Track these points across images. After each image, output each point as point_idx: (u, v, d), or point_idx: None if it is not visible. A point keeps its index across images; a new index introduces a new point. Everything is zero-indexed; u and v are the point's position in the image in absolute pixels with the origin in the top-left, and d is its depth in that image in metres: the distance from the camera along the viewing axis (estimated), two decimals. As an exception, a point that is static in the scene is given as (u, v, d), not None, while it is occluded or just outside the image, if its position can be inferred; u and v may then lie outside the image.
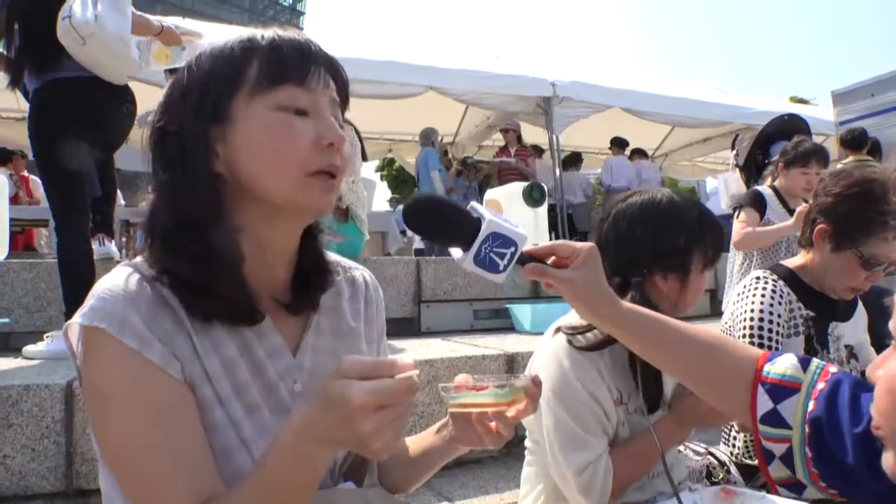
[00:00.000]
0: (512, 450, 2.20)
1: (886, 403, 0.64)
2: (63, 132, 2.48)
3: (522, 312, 3.68)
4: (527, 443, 1.43)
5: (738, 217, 3.09)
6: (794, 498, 0.94)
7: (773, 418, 0.82)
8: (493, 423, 0.79)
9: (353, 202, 3.55)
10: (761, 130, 4.91)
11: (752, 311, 1.62)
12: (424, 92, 6.34)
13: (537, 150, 7.93)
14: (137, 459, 0.70)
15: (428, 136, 7.47)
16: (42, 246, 6.55)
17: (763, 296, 1.62)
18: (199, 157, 0.75)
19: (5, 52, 2.57)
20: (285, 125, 0.75)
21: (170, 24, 2.88)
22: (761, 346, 1.57)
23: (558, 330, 1.30)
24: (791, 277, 1.68)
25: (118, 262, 0.82)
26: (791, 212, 2.94)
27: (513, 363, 2.56)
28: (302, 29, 0.83)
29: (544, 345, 1.33)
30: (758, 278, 1.68)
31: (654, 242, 1.28)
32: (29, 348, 2.49)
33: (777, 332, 1.59)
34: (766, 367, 0.85)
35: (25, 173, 6.80)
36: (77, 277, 2.47)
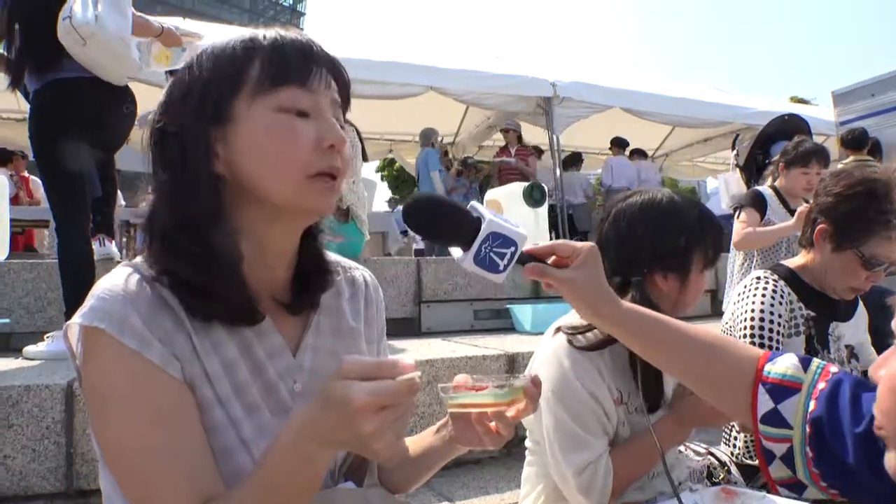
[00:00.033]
0: (512, 450, 2.20)
1: (889, 403, 0.64)
2: (63, 133, 2.49)
3: (523, 312, 3.68)
4: (527, 443, 1.43)
5: (738, 217, 3.09)
6: (795, 498, 0.94)
7: (774, 418, 0.82)
8: (492, 424, 0.79)
9: (354, 203, 3.55)
10: (762, 130, 4.91)
11: (753, 310, 1.62)
12: (425, 92, 6.34)
13: (537, 151, 7.93)
14: (137, 459, 0.70)
15: (428, 137, 7.47)
16: (43, 246, 6.55)
17: (764, 296, 1.62)
18: (200, 159, 0.75)
19: (6, 54, 2.58)
20: (287, 127, 0.75)
21: (170, 25, 2.88)
22: (762, 346, 1.57)
23: (558, 330, 1.30)
24: (792, 277, 1.68)
25: (118, 263, 0.81)
26: (791, 212, 2.93)
27: (513, 363, 2.56)
28: (302, 29, 0.83)
29: (544, 345, 1.33)
30: (758, 278, 1.68)
31: (654, 242, 1.28)
32: (29, 349, 2.49)
33: (778, 332, 1.59)
34: (767, 367, 0.85)
35: (26, 174, 6.80)
36: (77, 278, 2.47)
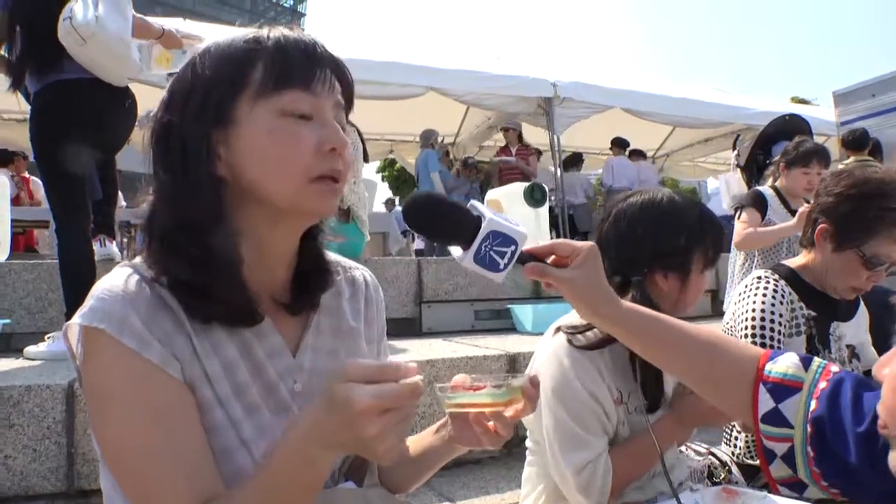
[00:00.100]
0: (513, 450, 2.20)
1: (894, 402, 0.63)
2: (64, 134, 2.49)
3: (524, 313, 3.68)
4: (528, 443, 1.43)
5: (739, 217, 3.09)
6: (796, 497, 0.94)
7: (775, 417, 0.82)
8: (490, 424, 0.79)
9: (355, 203, 3.55)
10: (762, 131, 4.91)
11: (754, 310, 1.61)
12: (425, 93, 6.35)
13: (536, 153, 7.93)
14: (137, 459, 0.70)
15: (427, 138, 7.48)
16: (43, 247, 6.56)
17: (765, 295, 1.62)
18: (201, 161, 0.75)
19: (7, 56, 2.58)
20: (289, 130, 0.75)
21: (170, 27, 2.88)
22: (763, 345, 1.57)
23: (559, 329, 1.30)
24: (792, 277, 1.68)
25: (119, 263, 0.81)
26: (792, 212, 2.93)
27: (514, 363, 2.56)
28: (303, 30, 0.83)
29: (545, 344, 1.33)
30: (759, 278, 1.68)
31: (654, 242, 1.28)
32: (30, 349, 2.49)
33: (779, 332, 1.59)
34: (768, 367, 0.85)
35: (27, 174, 6.80)
36: (77, 278, 2.47)
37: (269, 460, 0.68)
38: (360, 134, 3.63)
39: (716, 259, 1.34)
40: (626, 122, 7.54)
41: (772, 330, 1.58)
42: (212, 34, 0.86)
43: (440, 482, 2.09)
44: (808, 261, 1.69)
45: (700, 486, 1.23)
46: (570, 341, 1.26)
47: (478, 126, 8.46)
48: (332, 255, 0.94)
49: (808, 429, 0.79)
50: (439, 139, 7.97)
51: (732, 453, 1.72)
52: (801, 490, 0.86)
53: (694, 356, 0.89)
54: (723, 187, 6.52)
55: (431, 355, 2.50)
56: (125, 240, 5.26)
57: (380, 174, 21.35)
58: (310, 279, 0.86)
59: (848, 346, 1.71)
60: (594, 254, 0.86)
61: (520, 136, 7.48)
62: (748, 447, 1.68)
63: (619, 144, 8.24)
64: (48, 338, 2.54)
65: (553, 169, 7.43)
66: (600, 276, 0.87)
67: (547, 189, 5.16)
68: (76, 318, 0.72)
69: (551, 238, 5.53)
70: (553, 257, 0.87)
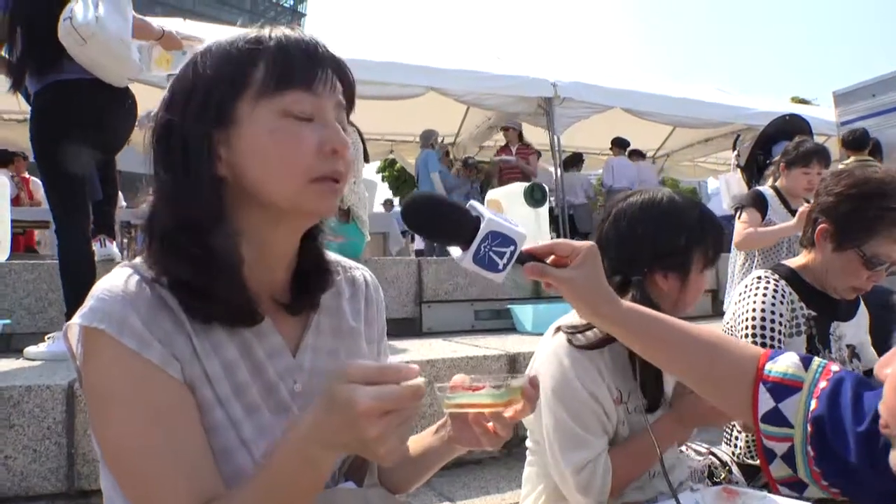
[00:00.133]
0: (513, 450, 2.20)
1: (895, 401, 0.63)
2: (64, 135, 2.49)
3: (524, 313, 3.68)
4: (528, 443, 1.43)
5: (739, 217, 3.09)
6: (796, 497, 0.94)
7: (775, 417, 0.82)
8: (490, 424, 0.79)
9: (355, 203, 3.55)
10: (763, 131, 4.91)
11: (754, 310, 1.61)
12: (425, 93, 6.35)
13: (536, 152, 7.93)
14: (137, 460, 0.70)
15: (427, 138, 7.48)
16: (44, 247, 6.56)
17: (765, 295, 1.62)
18: (202, 161, 0.75)
19: (7, 56, 2.58)
20: (290, 131, 0.74)
21: (170, 29, 2.88)
22: (763, 345, 1.57)
23: (559, 329, 1.30)
24: (793, 277, 1.68)
25: (119, 264, 0.81)
26: (792, 212, 2.93)
27: (514, 364, 2.56)
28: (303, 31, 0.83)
29: (545, 344, 1.33)
30: (759, 278, 1.68)
31: (654, 242, 1.28)
32: (30, 349, 2.49)
33: (779, 332, 1.59)
34: (768, 366, 0.85)
35: (27, 175, 6.81)
36: (77, 278, 2.47)
37: (269, 460, 0.68)
38: (360, 134, 3.63)
39: (716, 259, 1.34)
40: (627, 122, 7.54)
41: (772, 330, 1.58)
42: (212, 34, 0.86)
43: (441, 482, 2.09)
44: (808, 261, 1.69)
45: (700, 486, 1.23)
46: (569, 341, 1.26)
47: (478, 126, 8.45)
48: (332, 255, 0.94)
49: (809, 428, 0.79)
50: (439, 139, 7.96)
51: (733, 453, 1.72)
52: (801, 490, 0.86)
53: (694, 356, 0.89)
54: (723, 187, 6.53)
55: (431, 355, 2.50)
56: (125, 240, 5.26)
57: (380, 174, 21.35)
58: (310, 279, 0.86)
59: (848, 346, 1.71)
60: (594, 253, 0.86)
61: (520, 136, 7.47)
62: (748, 447, 1.68)
63: (619, 144, 8.24)
64: (48, 338, 2.54)
65: (553, 169, 7.43)
66: (600, 275, 0.87)
67: (547, 189, 5.15)
68: (76, 319, 0.71)
69: (552, 238, 5.53)
70: (552, 257, 0.87)
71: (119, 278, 0.74)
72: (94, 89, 2.53)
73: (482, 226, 0.80)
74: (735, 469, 1.63)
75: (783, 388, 0.82)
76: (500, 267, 0.82)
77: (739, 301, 1.69)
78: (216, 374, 0.75)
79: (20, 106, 4.27)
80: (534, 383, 0.78)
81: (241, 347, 0.78)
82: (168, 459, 0.69)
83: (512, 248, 0.82)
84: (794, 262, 1.73)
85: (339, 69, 0.81)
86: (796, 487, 0.85)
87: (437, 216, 0.82)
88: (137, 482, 0.70)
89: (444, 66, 6.60)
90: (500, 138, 8.18)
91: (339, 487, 0.84)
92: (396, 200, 14.96)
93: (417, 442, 0.95)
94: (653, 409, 1.30)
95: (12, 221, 4.31)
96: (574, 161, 8.52)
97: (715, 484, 1.46)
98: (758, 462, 1.41)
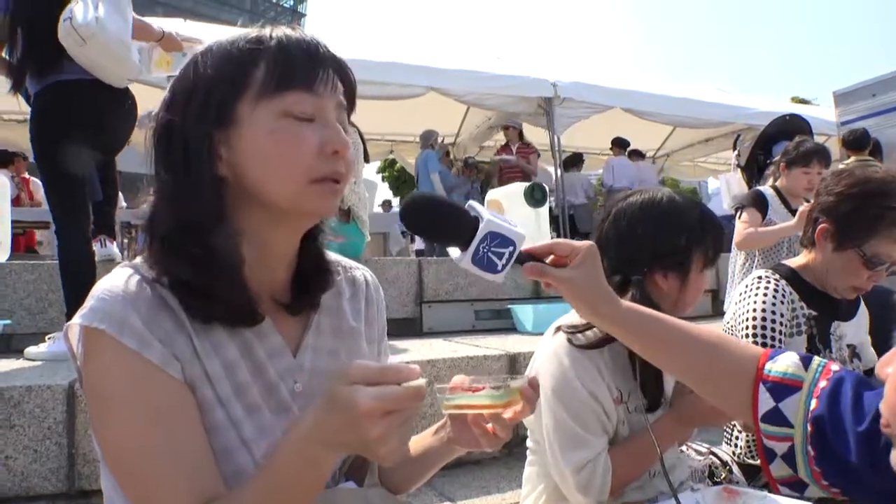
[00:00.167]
0: (513, 450, 2.20)
1: None
2: (64, 135, 2.49)
3: (524, 313, 3.68)
4: (528, 443, 1.43)
5: (740, 217, 3.09)
6: (796, 497, 0.94)
7: (775, 417, 0.82)
8: (489, 425, 0.79)
9: (355, 203, 3.55)
10: (763, 131, 4.91)
11: (755, 310, 1.61)
12: (425, 93, 6.34)
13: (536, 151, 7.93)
14: (137, 460, 0.70)
15: (427, 139, 7.47)
16: (45, 247, 6.56)
17: (765, 295, 1.62)
18: (203, 161, 0.75)
19: (7, 58, 2.58)
20: (291, 132, 0.74)
21: (170, 30, 2.88)
22: (764, 345, 1.57)
23: (559, 329, 1.30)
24: (793, 277, 1.68)
25: (119, 264, 0.81)
26: (793, 212, 2.93)
27: (514, 363, 2.56)
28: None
29: (545, 344, 1.33)
30: (760, 278, 1.68)
31: (654, 241, 1.28)
32: (31, 350, 2.49)
33: (779, 332, 1.59)
34: (768, 366, 0.85)
35: (27, 175, 6.81)
36: (78, 278, 2.47)
37: (270, 460, 0.68)
38: (360, 134, 3.63)
39: (716, 259, 1.34)
40: (627, 122, 7.53)
41: (773, 330, 1.58)
42: (212, 34, 0.86)
43: (441, 482, 2.10)
44: (808, 260, 1.69)
45: (701, 486, 1.23)
46: (569, 340, 1.26)
47: (478, 126, 8.45)
48: (332, 255, 0.94)
49: (809, 428, 0.79)
50: (439, 139, 7.96)
51: (733, 453, 1.72)
52: (801, 489, 0.86)
53: (693, 356, 0.88)
54: (723, 187, 6.53)
55: (432, 355, 2.50)
56: (126, 240, 5.26)
57: (380, 174, 21.35)
58: (310, 279, 0.86)
59: (849, 346, 1.71)
60: (593, 253, 0.86)
61: (520, 135, 7.47)
62: (749, 447, 1.68)
63: (619, 144, 8.24)
64: (49, 338, 2.54)
65: (553, 169, 7.42)
66: (599, 275, 0.87)
67: (547, 189, 5.16)
68: (76, 319, 0.71)
69: (552, 238, 5.53)
70: (552, 257, 0.87)
71: (119, 278, 0.74)
72: (94, 90, 2.53)
73: (481, 226, 0.80)
74: (735, 469, 1.63)
75: (783, 388, 0.82)
76: (499, 268, 0.82)
77: (740, 301, 1.69)
78: (217, 374, 0.75)
79: (20, 106, 4.28)
80: (533, 384, 0.77)
81: (241, 347, 0.78)
82: (168, 459, 0.69)
83: (511, 248, 0.81)
84: (794, 262, 1.73)
85: (341, 69, 0.81)
86: (797, 487, 0.85)
87: (435, 217, 0.82)
88: (138, 482, 0.70)
89: (444, 66, 6.60)
90: (500, 138, 8.18)
91: (339, 487, 0.84)
92: (395, 201, 14.96)
93: (417, 442, 0.95)
94: (653, 409, 1.30)
95: (13, 222, 4.31)
96: (574, 161, 8.52)
97: (715, 484, 1.46)
98: (758, 462, 1.41)
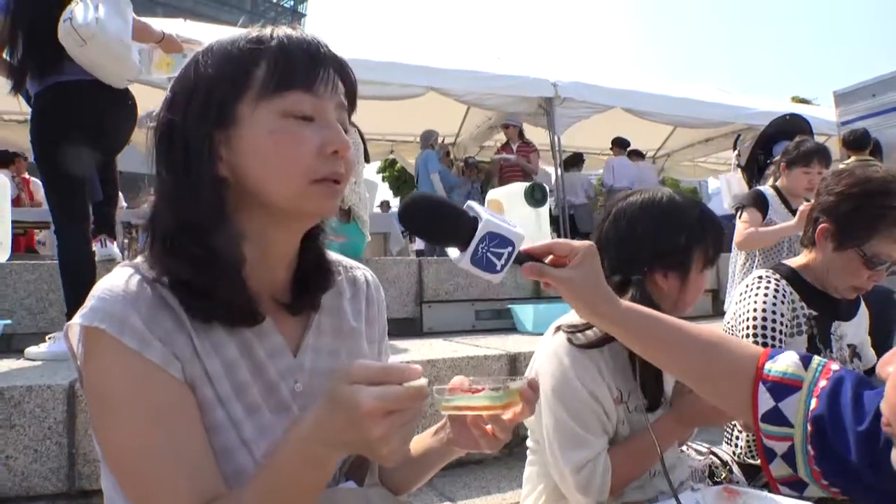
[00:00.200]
0: (514, 450, 2.19)
1: None
2: (64, 136, 2.49)
3: (524, 313, 3.68)
4: (528, 443, 1.43)
5: (740, 217, 3.09)
6: (796, 496, 0.94)
7: (775, 416, 0.82)
8: (488, 427, 0.79)
9: (355, 203, 3.56)
10: (763, 130, 4.91)
11: (755, 310, 1.61)
12: (426, 93, 6.34)
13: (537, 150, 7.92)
14: (138, 459, 0.70)
15: (427, 139, 7.47)
16: (44, 247, 6.56)
17: (766, 295, 1.62)
18: (203, 161, 0.75)
19: (8, 59, 2.58)
20: (291, 131, 0.74)
21: (171, 32, 2.89)
22: (764, 345, 1.57)
23: (558, 328, 1.30)
24: (793, 277, 1.68)
25: (119, 263, 0.81)
26: (793, 212, 2.93)
27: (515, 363, 2.56)
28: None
29: (545, 343, 1.33)
30: (760, 278, 1.68)
31: (654, 241, 1.28)
32: (31, 349, 2.49)
33: (780, 332, 1.59)
34: (768, 365, 0.85)
35: (27, 175, 6.81)
36: (78, 278, 2.47)
37: (271, 460, 0.68)
38: (361, 135, 3.63)
39: (716, 258, 1.34)
40: (627, 122, 7.53)
41: (773, 329, 1.58)
42: (212, 35, 0.86)
43: (442, 482, 2.10)
44: (808, 260, 1.69)
45: (701, 486, 1.23)
46: (569, 340, 1.26)
47: (478, 126, 8.45)
48: (333, 255, 0.94)
49: (809, 427, 0.79)
50: (440, 139, 7.96)
51: (734, 453, 1.72)
52: (801, 489, 0.86)
53: (693, 355, 0.88)
54: (724, 187, 6.52)
55: (432, 355, 2.50)
56: (126, 240, 5.26)
57: (380, 175, 21.35)
58: (310, 279, 0.86)
59: (849, 346, 1.71)
60: (592, 253, 0.86)
61: (521, 134, 7.47)
62: (749, 447, 1.68)
63: (619, 144, 8.23)
64: (49, 338, 2.54)
65: (553, 169, 7.42)
66: (599, 275, 0.87)
67: (547, 189, 5.15)
68: (77, 319, 0.72)
69: (552, 238, 5.53)
70: (551, 257, 0.87)
71: (120, 278, 0.74)
72: (95, 91, 2.53)
73: (480, 227, 0.80)
74: (736, 468, 1.63)
75: (783, 388, 0.82)
76: (498, 268, 0.81)
77: (740, 301, 1.68)
78: (217, 374, 0.75)
79: (21, 107, 4.28)
80: (533, 386, 0.77)
81: (241, 347, 0.78)
82: (169, 459, 0.69)
83: (510, 248, 0.81)
84: (794, 262, 1.73)
85: (341, 69, 0.81)
86: (797, 487, 0.85)
87: (434, 218, 0.82)
88: (138, 482, 0.70)
89: (444, 66, 6.60)
90: (500, 138, 8.18)
91: (339, 487, 0.84)
92: (395, 201, 14.96)
93: (418, 443, 0.95)
94: (653, 409, 1.30)
95: (13, 222, 4.31)
96: (574, 161, 8.52)
97: (716, 483, 1.46)
98: (758, 461, 1.41)
